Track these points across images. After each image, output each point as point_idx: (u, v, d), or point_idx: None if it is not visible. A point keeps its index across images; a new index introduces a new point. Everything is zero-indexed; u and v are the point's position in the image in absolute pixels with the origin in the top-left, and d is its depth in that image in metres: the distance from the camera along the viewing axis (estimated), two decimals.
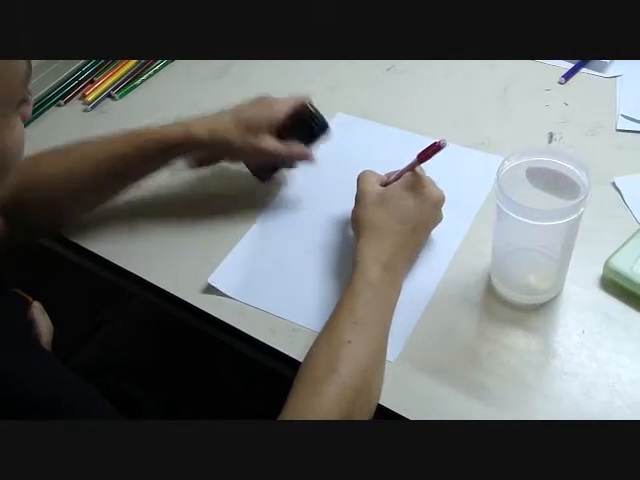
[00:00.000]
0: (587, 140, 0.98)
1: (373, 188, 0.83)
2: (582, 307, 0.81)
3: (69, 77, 1.11)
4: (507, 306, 0.82)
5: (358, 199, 0.84)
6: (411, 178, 0.82)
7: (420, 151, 0.82)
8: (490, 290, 0.83)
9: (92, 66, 1.13)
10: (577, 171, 0.75)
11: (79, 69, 1.12)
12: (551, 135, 0.99)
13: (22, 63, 0.57)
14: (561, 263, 0.80)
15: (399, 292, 0.80)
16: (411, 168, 0.83)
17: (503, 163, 0.75)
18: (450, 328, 0.80)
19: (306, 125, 0.89)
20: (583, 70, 1.07)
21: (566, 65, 1.07)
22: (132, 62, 1.12)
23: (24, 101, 0.61)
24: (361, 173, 0.86)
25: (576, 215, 0.74)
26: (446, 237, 0.87)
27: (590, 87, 1.05)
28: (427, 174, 0.85)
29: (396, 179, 0.84)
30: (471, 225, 0.89)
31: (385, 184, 0.85)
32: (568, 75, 1.06)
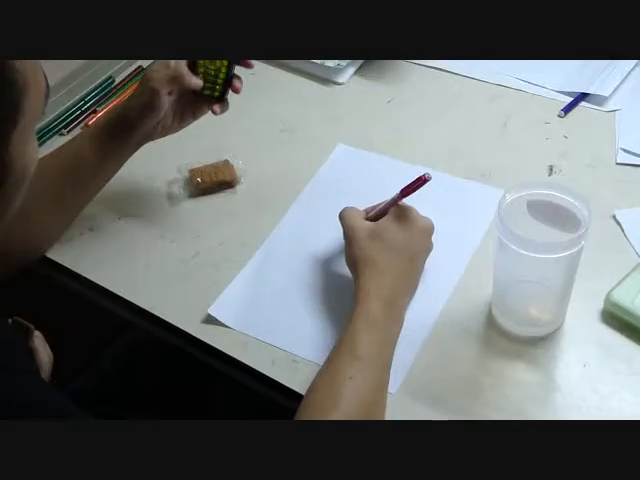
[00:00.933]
0: (587, 173, 0.98)
1: (362, 224, 0.84)
2: (583, 340, 0.81)
3: (72, 107, 1.12)
4: (508, 338, 0.81)
5: (349, 236, 0.83)
6: (398, 211, 0.83)
7: (404, 186, 0.83)
8: (491, 322, 0.83)
9: (95, 96, 1.13)
10: (577, 204, 0.75)
11: (82, 99, 1.13)
12: (551, 168, 0.99)
13: (44, 79, 0.58)
14: (562, 296, 0.80)
15: (401, 326, 0.80)
16: (394, 202, 0.84)
17: (504, 196, 0.75)
18: (451, 360, 0.80)
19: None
20: (582, 104, 1.07)
21: (565, 99, 1.08)
22: None
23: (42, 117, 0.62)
24: (343, 210, 0.86)
25: (577, 248, 0.74)
26: (447, 269, 0.87)
27: (589, 121, 1.06)
28: (429, 206, 0.85)
29: (379, 213, 0.85)
30: (472, 257, 0.89)
31: (368, 218, 0.85)
32: (567, 109, 1.06)
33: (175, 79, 0.88)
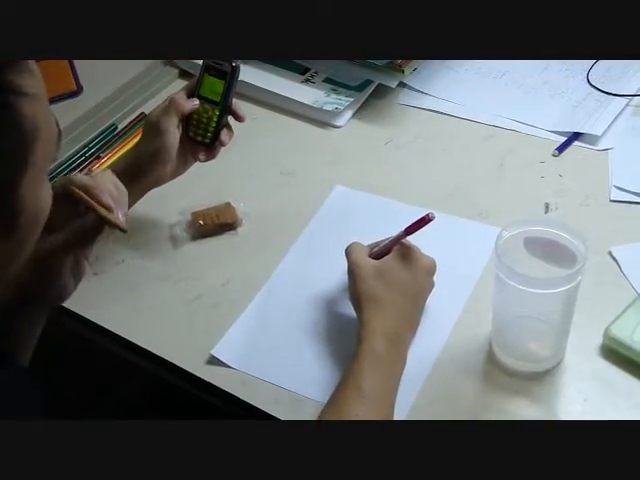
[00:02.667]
0: (582, 210, 1.00)
1: (367, 261, 0.85)
2: (583, 375, 0.82)
3: (76, 153, 1.14)
4: (508, 374, 0.82)
5: (353, 272, 0.85)
6: (402, 250, 0.84)
7: (409, 224, 0.85)
8: (491, 358, 0.84)
9: (99, 142, 1.15)
10: (574, 240, 0.76)
11: (86, 145, 1.15)
12: (547, 206, 1.01)
13: (55, 124, 0.58)
14: (561, 331, 0.81)
15: (405, 363, 0.81)
16: (398, 241, 0.85)
17: (501, 233, 0.77)
18: (452, 396, 0.81)
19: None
20: (576, 143, 1.10)
21: (559, 138, 1.10)
22: (137, 138, 1.15)
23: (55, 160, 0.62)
24: (349, 246, 0.87)
25: (574, 283, 0.75)
26: (446, 307, 0.88)
27: (583, 159, 1.08)
28: (427, 245, 0.87)
29: (383, 250, 0.86)
30: (470, 294, 0.90)
31: (371, 255, 0.87)
32: (561, 148, 1.09)
33: (175, 110, 0.92)
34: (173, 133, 0.92)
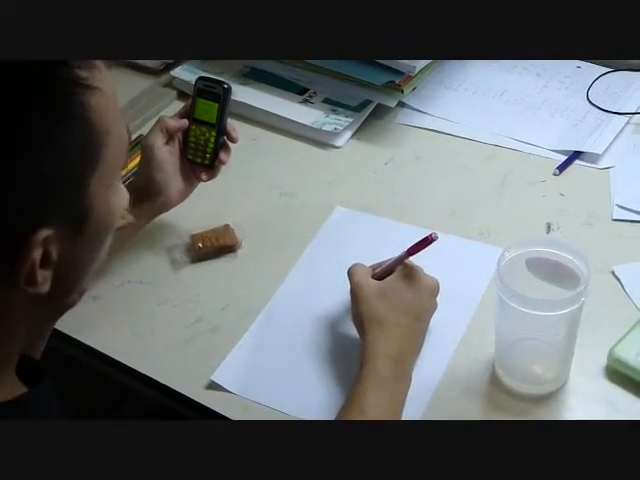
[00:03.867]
0: (584, 230, 0.99)
1: (370, 281, 0.84)
2: (588, 397, 0.81)
3: None
4: (512, 397, 0.81)
5: (356, 293, 0.84)
6: (405, 270, 0.84)
7: (411, 245, 0.84)
8: (495, 380, 0.83)
9: None
10: (576, 261, 0.76)
11: None
12: (549, 225, 1.00)
13: (126, 128, 0.59)
14: (565, 353, 0.80)
15: (409, 386, 0.80)
16: (400, 261, 0.84)
17: (503, 254, 0.76)
18: (455, 418, 0.79)
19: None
20: (577, 162, 1.09)
21: (559, 157, 1.10)
22: (135, 161, 1.14)
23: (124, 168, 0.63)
24: (351, 267, 0.87)
25: (577, 305, 0.74)
26: (448, 328, 0.87)
27: (584, 178, 1.07)
28: (428, 265, 0.86)
29: (386, 271, 0.85)
30: (473, 316, 0.89)
31: (374, 276, 0.86)
32: (562, 167, 1.08)
33: (161, 126, 0.95)
34: (159, 148, 0.94)
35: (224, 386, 0.85)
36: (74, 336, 0.92)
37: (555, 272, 0.77)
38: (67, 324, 0.93)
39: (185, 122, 0.97)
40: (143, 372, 0.88)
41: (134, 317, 0.94)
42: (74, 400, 0.96)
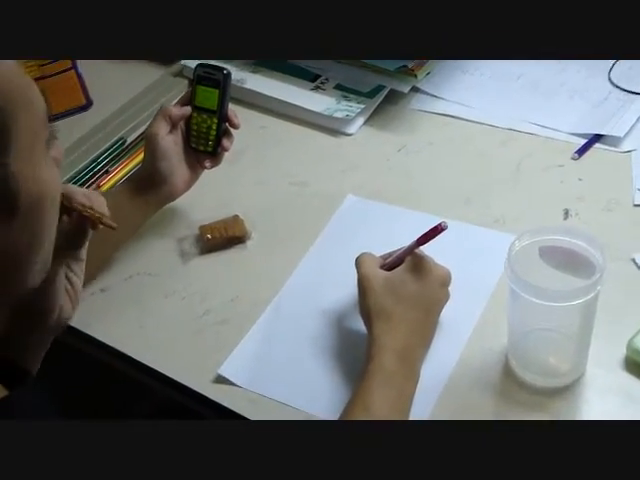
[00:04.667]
0: (604, 216, 0.96)
1: (377, 273, 0.82)
2: (605, 390, 0.78)
3: (85, 168, 1.12)
4: (527, 389, 0.79)
5: (363, 285, 0.82)
6: (414, 260, 0.81)
7: (420, 235, 0.81)
8: (508, 373, 0.80)
9: (107, 157, 1.14)
10: (591, 248, 0.73)
11: (94, 160, 1.13)
12: (567, 212, 0.97)
13: (40, 98, 0.56)
14: (580, 344, 0.78)
15: (417, 381, 0.77)
16: (410, 251, 0.82)
17: (514, 243, 0.74)
18: (468, 413, 0.77)
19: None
20: (597, 145, 1.05)
21: (579, 141, 1.06)
22: None
23: (51, 140, 0.58)
24: (359, 257, 0.84)
25: (592, 294, 0.71)
26: (460, 319, 0.85)
27: (604, 162, 1.04)
28: (440, 254, 0.83)
29: (395, 261, 0.83)
30: (486, 305, 0.87)
31: (384, 266, 0.83)
32: (581, 151, 1.05)
33: (163, 114, 0.94)
34: (163, 137, 0.94)
35: (231, 379, 0.83)
36: (81, 329, 0.91)
37: (569, 260, 0.74)
38: (74, 317, 0.92)
39: (188, 109, 0.96)
40: (150, 365, 0.87)
41: (142, 309, 0.93)
42: (79, 393, 0.96)
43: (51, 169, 0.57)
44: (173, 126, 0.95)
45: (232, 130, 0.98)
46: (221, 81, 0.95)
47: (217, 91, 0.95)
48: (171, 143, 0.94)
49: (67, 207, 0.69)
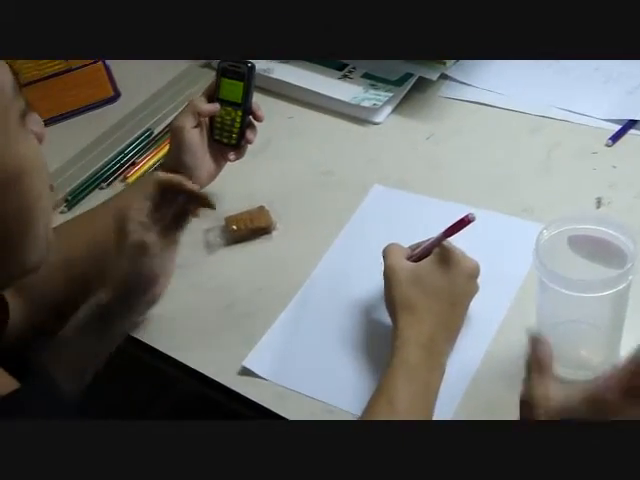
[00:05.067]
0: (638, 204, 0.93)
1: (403, 264, 0.80)
2: None
3: (111, 160, 1.12)
4: None
5: (388, 277, 0.80)
6: (442, 252, 0.79)
7: (447, 226, 0.80)
8: None
9: (134, 148, 1.14)
10: (622, 237, 0.71)
11: (121, 152, 1.13)
12: (599, 200, 0.94)
13: (5, 71, 0.55)
14: (612, 336, 0.75)
15: (442, 375, 0.76)
16: (438, 243, 0.80)
17: (542, 232, 0.72)
18: (495, 408, 0.75)
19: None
20: (631, 131, 1.02)
21: (613, 127, 1.03)
22: None
23: (28, 114, 0.58)
24: (386, 247, 0.83)
25: (624, 284, 0.69)
26: (488, 311, 0.83)
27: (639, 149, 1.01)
28: (468, 244, 0.82)
29: (423, 253, 0.81)
30: (514, 297, 0.85)
31: (411, 258, 0.82)
32: (616, 137, 1.02)
33: (191, 109, 0.94)
34: (189, 130, 0.93)
35: (256, 372, 0.83)
36: None
37: (600, 250, 0.72)
38: None
39: (217, 107, 0.95)
40: (175, 357, 0.87)
41: (166, 301, 0.92)
42: (107, 385, 0.96)
43: (29, 143, 0.57)
44: (199, 120, 0.95)
45: (256, 122, 0.97)
46: (246, 74, 0.95)
47: (242, 84, 0.95)
48: (197, 137, 0.94)
49: (178, 190, 0.82)
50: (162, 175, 0.86)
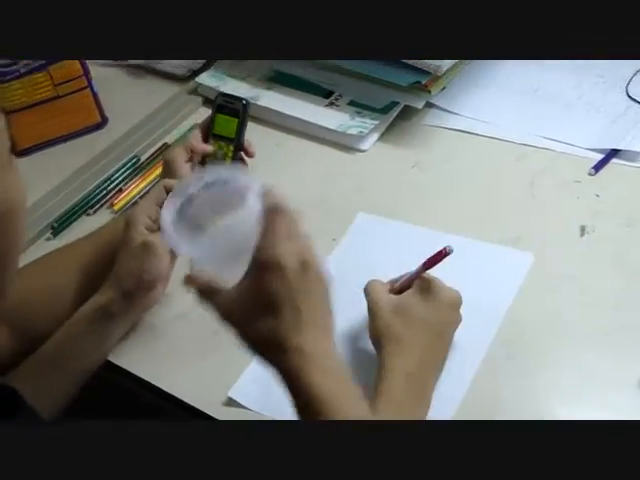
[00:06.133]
0: (623, 232, 0.94)
1: (386, 298, 0.81)
2: None
3: (98, 187, 1.12)
4: None
5: (372, 311, 0.81)
6: (423, 283, 0.80)
7: (427, 258, 0.80)
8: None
9: (121, 175, 1.14)
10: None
11: (108, 179, 1.13)
12: (583, 228, 0.95)
13: None
14: None
15: (428, 407, 0.76)
16: (417, 275, 0.81)
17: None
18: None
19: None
20: (614, 160, 1.03)
21: (595, 156, 1.04)
22: (159, 169, 1.12)
23: (13, 149, 0.58)
24: (367, 284, 0.83)
25: None
26: (473, 339, 0.83)
27: (623, 178, 1.02)
28: (452, 273, 0.82)
29: (403, 286, 0.82)
30: (501, 325, 0.85)
31: (392, 291, 0.82)
32: (598, 166, 1.03)
33: (188, 147, 0.97)
34: (181, 164, 0.95)
35: (241, 402, 0.83)
36: None
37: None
38: None
39: (209, 148, 0.98)
40: (159, 386, 0.86)
41: (152, 332, 0.92)
42: (88, 412, 0.96)
43: (17, 180, 0.57)
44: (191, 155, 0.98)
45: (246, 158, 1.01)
46: (240, 111, 0.98)
47: (236, 120, 0.98)
48: (187, 170, 0.96)
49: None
50: (169, 180, 0.89)
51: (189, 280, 0.68)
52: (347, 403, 0.65)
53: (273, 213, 0.65)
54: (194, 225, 0.68)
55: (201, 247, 0.66)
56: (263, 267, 0.64)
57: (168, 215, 0.66)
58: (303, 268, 0.65)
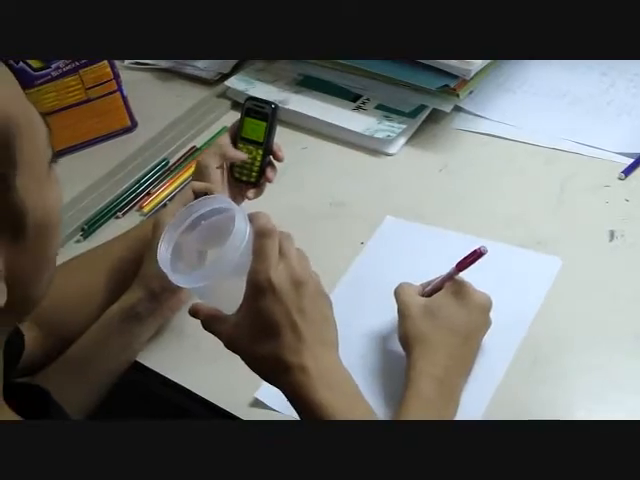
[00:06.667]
0: None
1: (416, 300, 0.81)
2: None
3: (127, 190, 1.13)
4: None
5: (402, 313, 0.81)
6: (454, 286, 0.80)
7: (459, 260, 0.80)
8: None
9: (150, 178, 1.15)
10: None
11: (137, 181, 1.14)
12: (612, 233, 0.94)
13: (41, 120, 0.56)
14: None
15: (456, 408, 0.76)
16: (450, 277, 0.81)
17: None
18: None
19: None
20: None
21: (626, 160, 1.03)
22: (188, 172, 1.14)
23: (54, 162, 0.58)
24: (398, 286, 0.84)
25: None
26: (501, 343, 0.83)
27: None
28: (481, 277, 0.82)
29: (435, 289, 0.82)
30: (528, 330, 0.85)
31: (423, 294, 0.82)
32: (629, 170, 1.02)
33: (221, 153, 0.95)
34: (213, 170, 0.94)
35: (267, 404, 0.83)
36: None
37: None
38: None
39: (244, 156, 0.96)
40: (187, 387, 0.87)
41: (179, 332, 0.93)
42: (115, 415, 0.97)
43: (56, 188, 0.57)
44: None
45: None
46: (269, 114, 0.97)
47: (265, 124, 0.97)
48: (219, 176, 0.95)
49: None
50: (198, 183, 0.90)
51: (194, 311, 0.70)
52: (355, 417, 0.67)
53: (261, 236, 0.66)
54: (190, 258, 0.71)
55: (197, 279, 0.67)
56: (257, 291, 0.66)
57: (165, 251, 0.68)
58: (296, 287, 0.67)
